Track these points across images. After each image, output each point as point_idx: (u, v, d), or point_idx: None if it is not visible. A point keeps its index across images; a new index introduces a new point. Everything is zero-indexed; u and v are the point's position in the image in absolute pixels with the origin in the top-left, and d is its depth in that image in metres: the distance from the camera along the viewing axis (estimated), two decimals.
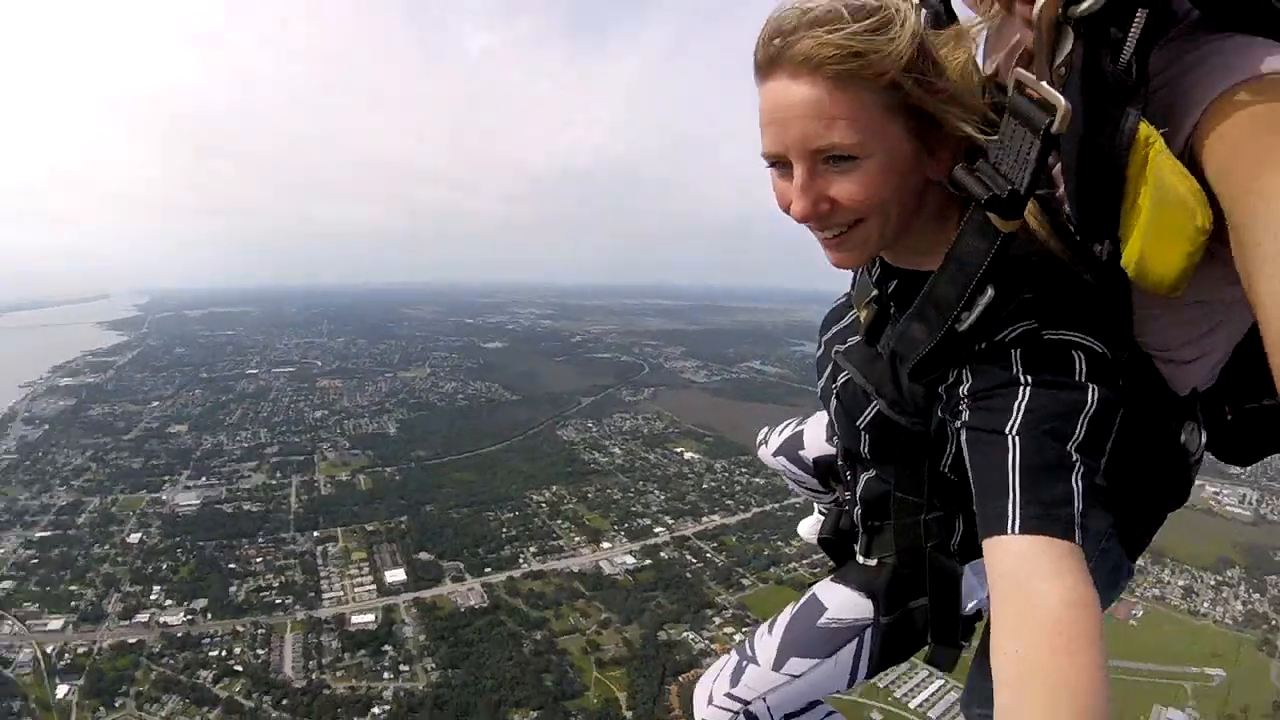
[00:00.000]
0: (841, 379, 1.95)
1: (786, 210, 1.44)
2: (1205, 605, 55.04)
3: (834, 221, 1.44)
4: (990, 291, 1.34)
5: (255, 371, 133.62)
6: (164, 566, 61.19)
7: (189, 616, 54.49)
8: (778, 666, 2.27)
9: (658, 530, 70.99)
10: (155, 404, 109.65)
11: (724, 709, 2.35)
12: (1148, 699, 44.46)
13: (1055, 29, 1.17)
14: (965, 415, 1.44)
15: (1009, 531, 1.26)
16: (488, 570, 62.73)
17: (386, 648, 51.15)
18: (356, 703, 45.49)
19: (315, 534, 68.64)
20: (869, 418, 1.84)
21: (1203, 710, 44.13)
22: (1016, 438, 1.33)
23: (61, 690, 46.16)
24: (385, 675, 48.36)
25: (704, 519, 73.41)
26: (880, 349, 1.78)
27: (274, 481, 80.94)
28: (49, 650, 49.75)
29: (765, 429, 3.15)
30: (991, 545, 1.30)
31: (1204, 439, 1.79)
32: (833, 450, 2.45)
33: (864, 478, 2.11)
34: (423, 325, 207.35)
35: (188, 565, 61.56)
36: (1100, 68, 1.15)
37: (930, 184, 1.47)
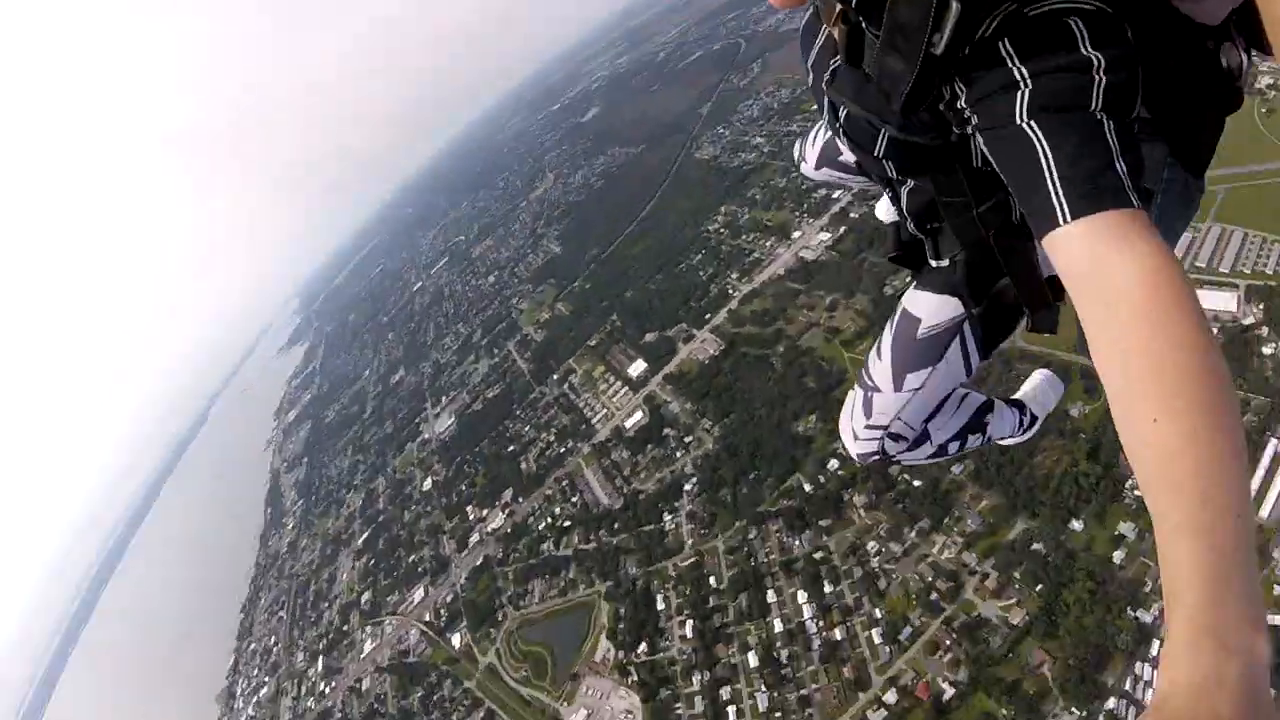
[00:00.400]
0: (843, 115, 1.92)
1: None
2: None
3: None
4: (955, 5, 1.27)
5: (420, 284, 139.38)
6: (463, 488, 69.01)
7: (508, 512, 61.28)
8: (898, 387, 2.45)
9: (836, 195, 68.22)
10: (367, 373, 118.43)
11: (870, 440, 2.57)
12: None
13: None
14: (976, 119, 1.41)
15: (1061, 222, 1.18)
16: (708, 316, 65.01)
17: (666, 431, 55.81)
18: (670, 489, 50.63)
19: (554, 378, 73.47)
20: (883, 146, 1.85)
21: None
22: (1033, 124, 1.26)
23: (456, 640, 54.26)
24: (678, 455, 53.20)
25: None
26: (867, 69, 1.65)
27: (496, 359, 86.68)
28: (426, 619, 58.48)
29: (798, 143, 3.16)
30: (1050, 243, 1.22)
31: (1246, 59, 1.76)
32: None
33: (905, 191, 2.14)
34: (519, 141, 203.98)
35: (481, 474, 68.71)
36: None
37: None
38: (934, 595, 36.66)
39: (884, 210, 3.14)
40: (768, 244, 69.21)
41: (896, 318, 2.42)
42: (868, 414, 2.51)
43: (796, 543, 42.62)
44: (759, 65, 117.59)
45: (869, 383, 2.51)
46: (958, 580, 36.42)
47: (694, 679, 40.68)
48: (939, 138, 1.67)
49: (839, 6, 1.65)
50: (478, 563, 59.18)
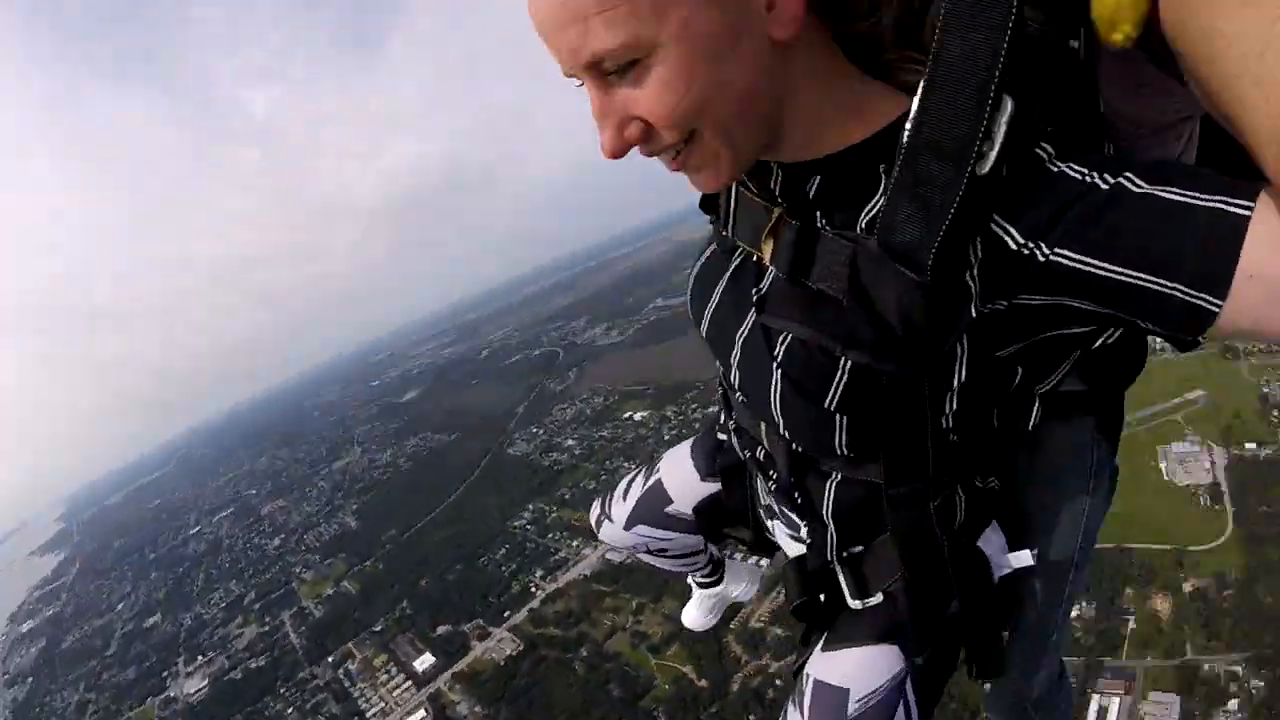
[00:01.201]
0: (781, 348, 1.21)
1: None
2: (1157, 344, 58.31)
3: (661, 144, 1.05)
4: (1010, 102, 0.90)
5: (198, 529, 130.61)
6: None
7: None
8: None
9: None
10: (121, 606, 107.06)
11: None
12: (1150, 443, 46.59)
13: None
14: (1057, 245, 0.92)
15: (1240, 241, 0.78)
16: (507, 614, 62.11)
17: None
18: None
19: (330, 660, 67.15)
20: (842, 386, 1.16)
21: (1203, 433, 46.70)
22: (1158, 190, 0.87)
23: None
24: None
25: None
26: (816, 284, 1.13)
27: (267, 628, 78.95)
28: None
29: (596, 502, 2.29)
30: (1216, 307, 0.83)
31: None
32: (715, 488, 1.86)
33: (830, 490, 1.43)
34: (332, 410, 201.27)
35: None
36: None
37: (790, 45, 1.02)
38: None
39: (696, 617, 2.73)
40: (575, 544, 68.91)
41: (807, 699, 1.57)
42: None
43: None
44: (575, 373, 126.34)
45: None
46: None
47: None
48: (922, 363, 1.10)
49: (780, 207, 1.18)
50: None
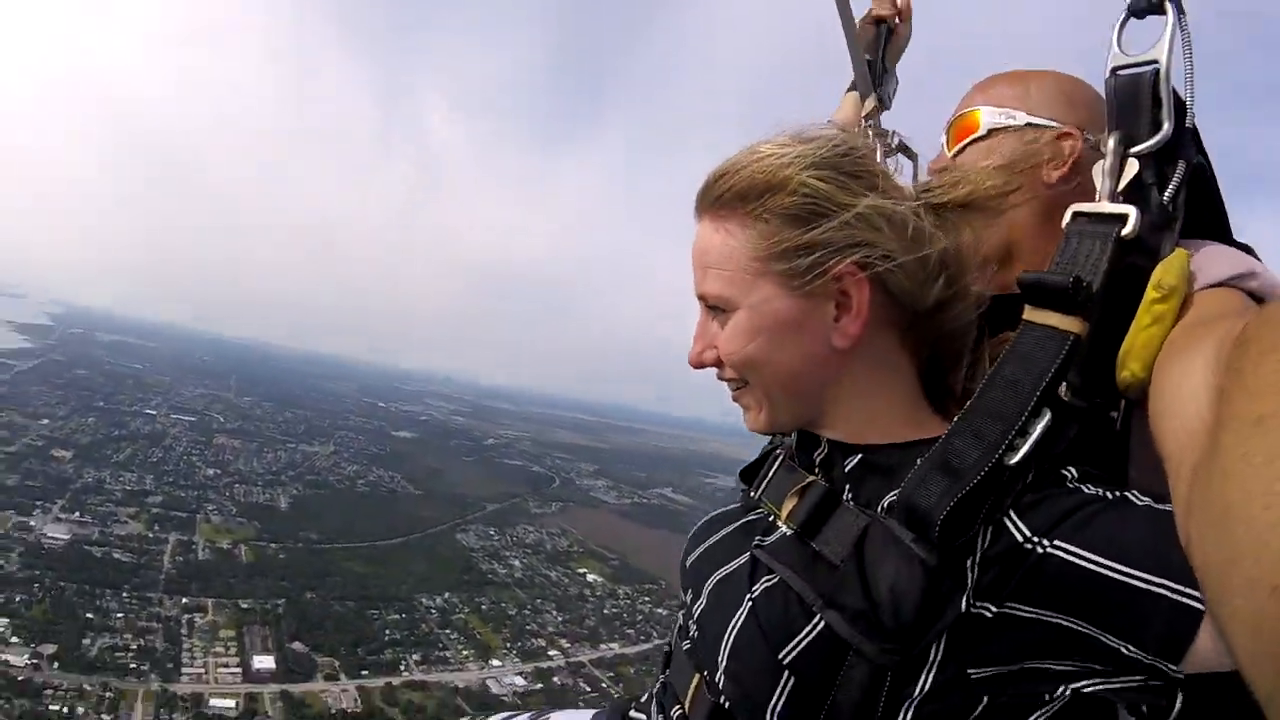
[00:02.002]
0: (761, 586, 1.17)
1: None
2: None
3: (725, 376, 1.29)
4: (1048, 413, 1.01)
5: (154, 413, 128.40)
6: (17, 599, 56.75)
7: (34, 661, 49.90)
8: None
9: (552, 653, 68.60)
10: (45, 421, 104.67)
11: None
12: None
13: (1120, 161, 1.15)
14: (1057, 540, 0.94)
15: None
16: (365, 672, 59.12)
17: None
18: None
19: (185, 600, 64.66)
20: (805, 644, 1.08)
21: None
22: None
23: None
24: None
25: (602, 646, 71.38)
26: (819, 546, 1.14)
27: (151, 534, 76.62)
28: None
29: None
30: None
31: None
32: None
33: None
34: (333, 400, 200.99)
35: (43, 604, 57.27)
36: (1150, 197, 1.12)
37: (849, 352, 1.19)
38: None
39: None
40: (464, 652, 66.74)
41: None
42: None
43: None
44: (557, 507, 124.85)
45: None
46: None
47: None
48: (895, 650, 1.02)
49: (813, 474, 1.26)
50: None
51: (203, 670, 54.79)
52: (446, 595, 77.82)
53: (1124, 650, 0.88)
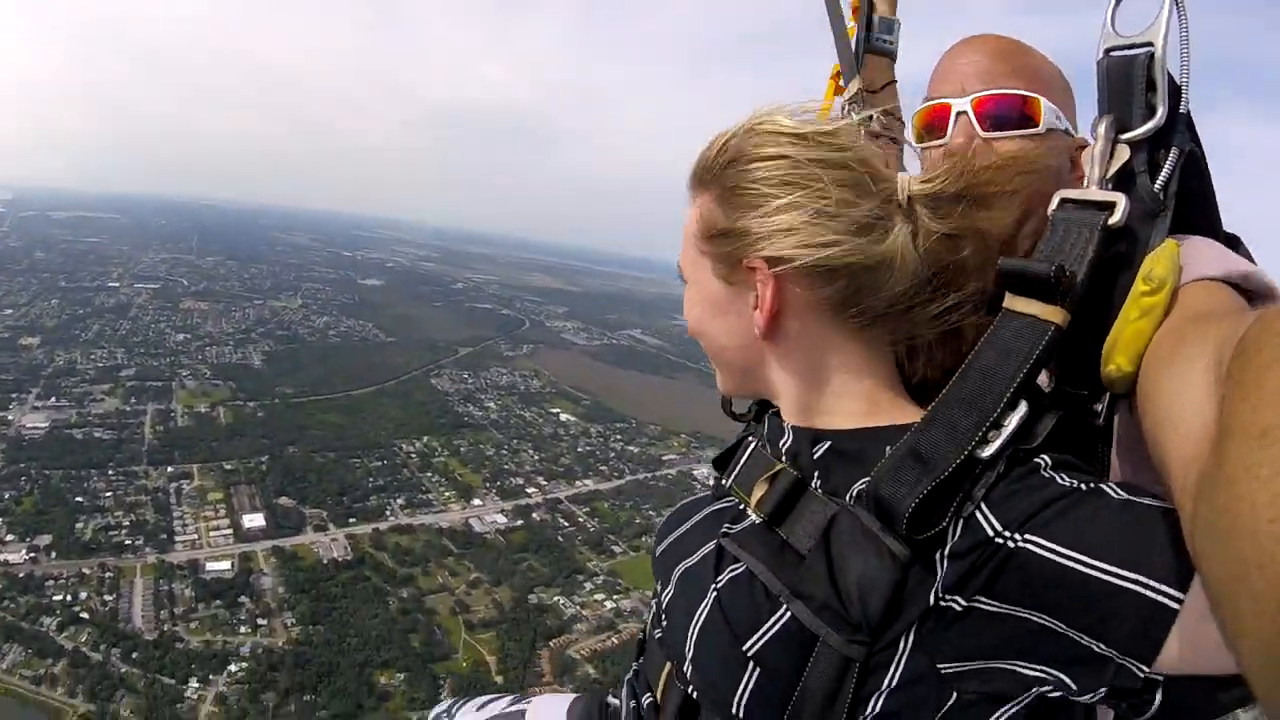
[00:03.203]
0: (727, 575, 1.18)
1: None
2: None
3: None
4: (1024, 407, 0.99)
5: (116, 285, 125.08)
6: (5, 496, 56.51)
7: (31, 555, 50.15)
8: None
9: (530, 491, 71.11)
10: (8, 311, 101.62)
11: None
12: None
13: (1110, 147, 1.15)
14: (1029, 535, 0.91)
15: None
16: (352, 520, 60.93)
17: (243, 599, 48.87)
18: (212, 658, 43.18)
19: (170, 469, 65.02)
20: (770, 634, 1.09)
21: None
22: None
23: None
24: (242, 629, 46.19)
25: (577, 483, 74.08)
26: (786, 535, 1.13)
27: (128, 408, 76.27)
28: None
29: (444, 703, 2.06)
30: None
31: None
32: None
33: None
34: (297, 252, 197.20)
35: (31, 496, 56.96)
36: (1140, 185, 1.14)
37: (775, 338, 1.19)
38: None
39: None
40: (446, 494, 68.64)
41: None
42: None
43: None
44: (529, 350, 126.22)
45: None
46: None
47: None
48: (863, 641, 1.01)
49: (781, 463, 1.21)
50: None
51: (195, 536, 55.82)
52: (425, 439, 79.13)
53: (1095, 648, 0.85)
